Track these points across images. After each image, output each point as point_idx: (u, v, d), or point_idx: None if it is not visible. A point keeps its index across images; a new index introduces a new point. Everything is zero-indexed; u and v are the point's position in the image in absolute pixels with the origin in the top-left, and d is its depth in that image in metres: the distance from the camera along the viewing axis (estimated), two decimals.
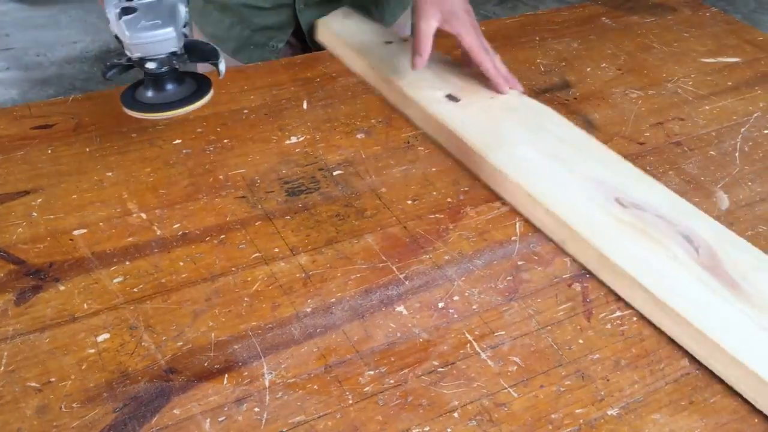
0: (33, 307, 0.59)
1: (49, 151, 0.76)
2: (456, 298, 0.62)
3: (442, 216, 0.71)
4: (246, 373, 0.55)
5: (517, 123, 0.79)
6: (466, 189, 0.74)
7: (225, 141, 0.79)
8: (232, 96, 0.87)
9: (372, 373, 0.56)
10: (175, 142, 0.78)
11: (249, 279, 0.63)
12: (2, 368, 0.54)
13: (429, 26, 0.80)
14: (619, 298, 0.63)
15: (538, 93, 0.90)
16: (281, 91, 0.88)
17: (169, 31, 0.65)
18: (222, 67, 0.70)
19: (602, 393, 0.55)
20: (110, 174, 0.74)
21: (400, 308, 0.61)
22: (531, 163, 0.73)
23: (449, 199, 0.73)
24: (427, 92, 0.83)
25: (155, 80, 0.69)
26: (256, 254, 0.65)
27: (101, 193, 0.72)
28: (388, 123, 0.84)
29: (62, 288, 0.61)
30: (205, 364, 0.55)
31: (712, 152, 0.82)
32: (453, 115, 0.80)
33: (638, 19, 1.10)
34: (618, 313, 0.61)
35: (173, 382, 0.54)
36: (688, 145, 0.83)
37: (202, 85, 0.72)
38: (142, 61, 0.67)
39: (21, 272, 0.62)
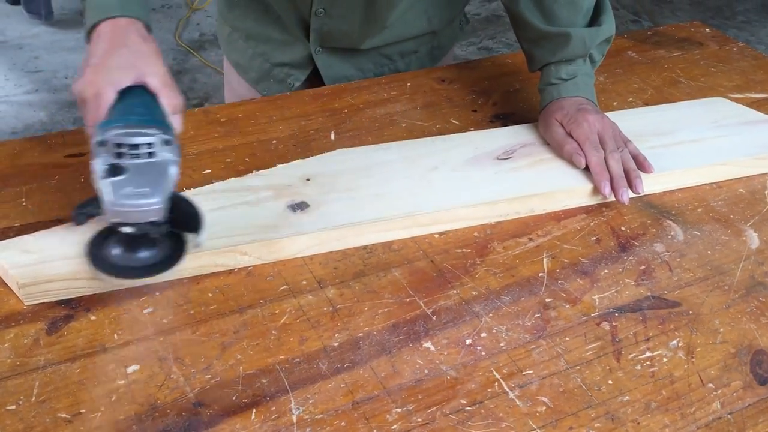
0: (64, 337, 0.60)
1: (82, 180, 0.77)
2: (483, 335, 0.62)
3: (469, 250, 0.71)
4: (273, 408, 0.55)
5: None
6: (492, 223, 0.74)
7: (254, 171, 0.79)
8: (261, 126, 0.88)
9: (399, 410, 0.55)
10: (204, 172, 0.79)
11: (277, 311, 0.63)
12: (33, 398, 0.55)
13: (557, 132, 0.82)
14: (648, 338, 0.62)
15: None
16: (309, 122, 0.89)
17: (154, 202, 0.59)
18: (201, 239, 0.62)
19: None
20: None
21: (428, 344, 0.61)
22: None
23: (476, 234, 0.73)
24: None
25: (128, 241, 0.63)
26: (284, 286, 0.66)
27: None
28: None
29: (93, 318, 0.62)
30: (233, 398, 0.55)
31: (741, 190, 0.81)
32: None
33: (665, 53, 1.10)
34: (648, 354, 0.61)
35: (201, 416, 0.54)
36: (717, 183, 0.82)
37: (176, 247, 0.64)
38: (119, 225, 0.60)
39: (53, 301, 0.63)
